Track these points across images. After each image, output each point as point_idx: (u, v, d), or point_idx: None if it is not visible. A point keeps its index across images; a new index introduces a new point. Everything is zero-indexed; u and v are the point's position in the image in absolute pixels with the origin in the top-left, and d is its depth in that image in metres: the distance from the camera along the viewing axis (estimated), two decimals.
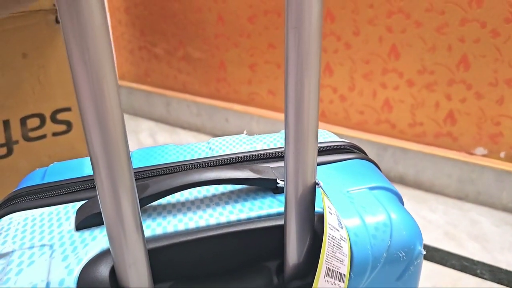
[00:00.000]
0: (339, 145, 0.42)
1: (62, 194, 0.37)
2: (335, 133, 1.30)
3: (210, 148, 0.43)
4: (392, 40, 1.15)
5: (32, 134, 0.98)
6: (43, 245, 0.32)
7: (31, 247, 0.32)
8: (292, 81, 0.26)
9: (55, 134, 0.99)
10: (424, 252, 0.36)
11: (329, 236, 0.28)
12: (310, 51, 0.26)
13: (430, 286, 0.96)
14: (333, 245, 0.29)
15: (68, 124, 0.99)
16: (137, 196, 0.28)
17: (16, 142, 0.97)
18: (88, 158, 0.29)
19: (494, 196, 1.17)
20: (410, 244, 0.34)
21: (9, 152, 0.97)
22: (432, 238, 1.10)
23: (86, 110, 0.24)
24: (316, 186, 0.29)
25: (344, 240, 0.30)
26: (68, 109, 0.98)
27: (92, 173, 0.37)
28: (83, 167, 0.42)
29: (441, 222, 1.15)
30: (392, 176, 1.29)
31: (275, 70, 1.34)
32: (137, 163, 0.42)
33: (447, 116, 1.16)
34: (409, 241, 0.34)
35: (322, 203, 0.29)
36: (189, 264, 0.31)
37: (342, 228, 0.30)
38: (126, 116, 1.69)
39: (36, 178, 0.40)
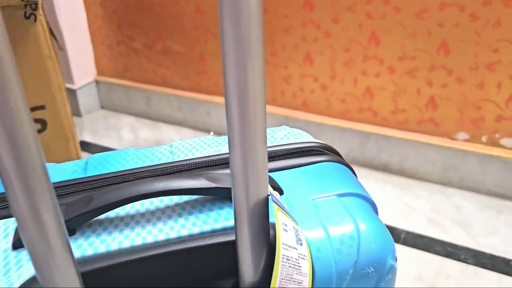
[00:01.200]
0: (309, 147, 0.39)
1: (4, 207, 0.33)
2: (317, 123, 1.27)
3: (171, 152, 0.40)
4: (371, 26, 1.11)
5: None
6: None
7: None
8: (232, 75, 0.23)
9: None
10: (397, 266, 0.33)
11: (283, 258, 0.25)
12: (251, 33, 0.22)
13: (415, 273, 0.94)
14: (289, 266, 0.26)
15: (43, 123, 0.95)
16: (61, 214, 0.24)
17: None
18: None
19: (477, 181, 1.15)
20: (381, 258, 0.31)
21: None
22: (416, 225, 1.08)
23: None
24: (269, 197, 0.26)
25: (303, 258, 0.27)
26: (42, 107, 0.94)
27: None
28: None
29: (425, 208, 1.13)
30: (376, 164, 1.26)
31: None
32: (92, 170, 0.39)
33: (428, 102, 1.13)
34: (379, 254, 0.31)
35: (275, 220, 0.26)
36: (132, 286, 0.28)
37: (301, 245, 0.27)
38: (106, 113, 1.64)
39: None
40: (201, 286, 0.29)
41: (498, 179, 1.13)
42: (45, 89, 0.94)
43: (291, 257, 0.25)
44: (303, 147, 0.39)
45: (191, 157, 0.38)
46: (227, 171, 0.35)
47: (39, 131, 0.96)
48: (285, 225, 0.27)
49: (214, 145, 0.41)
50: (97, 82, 1.62)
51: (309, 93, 1.27)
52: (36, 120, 0.95)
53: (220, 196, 0.32)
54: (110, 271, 0.27)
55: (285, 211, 0.27)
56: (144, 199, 0.30)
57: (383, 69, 1.14)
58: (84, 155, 1.33)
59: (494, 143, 1.11)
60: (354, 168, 1.28)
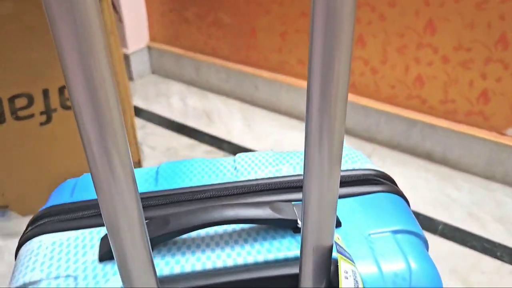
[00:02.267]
0: (367, 174, 0.40)
1: (88, 216, 0.37)
2: (364, 106, 1.26)
3: (235, 168, 0.42)
4: (429, 14, 1.08)
5: (69, 103, 0.99)
6: (68, 276, 0.33)
7: (57, 277, 0.33)
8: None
9: None
10: None
11: None
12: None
13: (449, 266, 0.95)
14: None
15: None
16: (149, 239, 0.27)
17: (55, 110, 0.99)
18: None
19: None
20: None
21: (48, 119, 0.99)
22: (455, 217, 1.08)
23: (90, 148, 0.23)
24: (334, 253, 0.28)
25: None
26: None
27: None
28: None
29: (465, 201, 1.12)
30: (419, 151, 1.25)
31: (306, 39, 1.29)
32: (162, 183, 0.42)
33: (480, 95, 1.10)
34: None
35: (339, 267, 0.28)
36: None
37: (358, 285, 0.30)
38: (157, 78, 1.68)
39: (65, 192, 0.41)
40: None
41: None
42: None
43: None
44: (362, 175, 0.41)
45: (254, 176, 0.40)
46: (289, 196, 0.38)
47: None
48: (346, 272, 0.29)
49: (275, 163, 0.43)
50: (149, 48, 1.65)
51: (359, 76, 1.26)
52: None
53: (283, 226, 0.34)
54: None
55: (346, 257, 0.29)
56: (216, 225, 0.33)
57: (437, 58, 1.11)
58: (139, 121, 1.38)
59: None
60: (398, 154, 1.28)
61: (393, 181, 0.43)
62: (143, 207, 0.38)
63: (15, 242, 0.98)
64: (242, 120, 1.44)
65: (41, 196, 1.04)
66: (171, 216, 0.33)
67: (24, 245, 0.36)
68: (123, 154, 0.23)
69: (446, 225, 1.06)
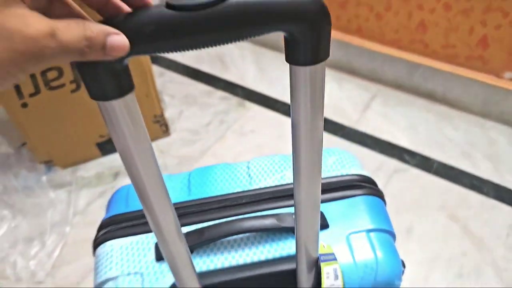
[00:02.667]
0: (352, 180, 0.52)
1: (142, 224, 0.50)
2: (369, 49, 1.32)
3: (249, 176, 0.54)
4: None
5: None
6: (136, 273, 0.47)
7: (128, 274, 0.47)
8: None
9: None
10: (401, 285, 0.47)
11: None
12: None
13: (439, 203, 1.09)
14: None
15: None
16: (188, 246, 0.40)
17: None
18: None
19: None
20: (390, 281, 0.46)
21: (78, 87, 1.09)
22: (449, 157, 1.20)
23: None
24: (320, 262, 0.41)
25: (338, 287, 0.43)
26: None
27: None
28: None
29: (460, 140, 1.23)
30: (421, 91, 1.34)
31: None
32: (194, 191, 0.54)
33: (480, 41, 1.15)
34: (390, 279, 0.46)
35: (321, 270, 0.41)
36: (235, 286, 0.45)
37: (337, 279, 0.43)
38: None
39: (121, 202, 0.53)
40: None
41: None
42: None
43: None
44: (348, 180, 0.52)
45: (263, 184, 0.52)
46: (290, 201, 0.50)
47: None
48: (328, 273, 0.42)
49: (280, 170, 0.54)
50: None
51: (364, 21, 1.30)
52: None
53: (285, 232, 0.47)
54: (216, 284, 0.44)
55: (329, 260, 0.42)
56: (238, 234, 0.46)
57: (439, 6, 1.15)
58: (157, 68, 1.47)
59: None
60: (401, 94, 1.36)
61: (374, 184, 0.54)
62: (183, 214, 0.51)
63: (63, 193, 1.14)
64: (255, 64, 1.52)
65: (76, 151, 1.19)
66: (205, 229, 0.46)
67: (100, 247, 0.50)
68: (160, 192, 0.34)
69: (440, 163, 1.19)
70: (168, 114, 1.34)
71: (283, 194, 0.51)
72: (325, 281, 0.42)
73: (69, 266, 1.03)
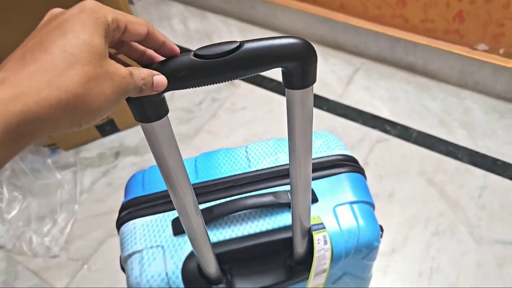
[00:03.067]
0: (337, 159, 0.61)
1: (159, 204, 0.59)
2: (353, 25, 1.39)
3: (248, 159, 0.63)
4: None
5: None
6: (158, 246, 0.56)
7: (151, 247, 0.56)
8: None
9: None
10: (380, 244, 0.57)
11: (318, 255, 0.50)
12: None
13: (418, 169, 1.20)
14: (319, 258, 0.51)
15: None
16: (204, 221, 0.49)
17: None
18: None
19: (489, 86, 1.31)
20: (370, 243, 0.56)
21: None
22: (427, 126, 1.29)
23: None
24: (311, 231, 0.50)
25: (326, 251, 0.52)
26: None
27: None
28: None
29: (438, 110, 1.33)
30: (403, 65, 1.42)
31: None
32: (201, 175, 0.62)
33: (456, 15, 1.23)
34: (370, 241, 0.56)
35: (313, 237, 0.51)
36: (242, 254, 0.54)
37: (326, 244, 0.52)
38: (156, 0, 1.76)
39: (138, 186, 0.62)
40: (274, 255, 0.55)
41: (508, 86, 1.29)
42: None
43: (321, 253, 0.51)
44: (333, 160, 0.61)
45: (261, 166, 0.61)
46: (284, 180, 0.59)
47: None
48: (318, 239, 0.51)
49: (275, 152, 0.63)
50: None
51: None
52: None
53: (282, 207, 0.56)
54: (226, 252, 0.54)
55: (319, 229, 0.51)
56: (243, 210, 0.54)
57: None
58: None
59: (510, 56, 1.24)
60: (383, 67, 1.44)
61: (356, 162, 0.63)
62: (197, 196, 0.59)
63: (68, 173, 1.22)
64: None
65: (78, 133, 1.26)
66: (214, 207, 0.55)
67: (123, 226, 0.59)
68: (184, 178, 0.42)
69: (419, 132, 1.28)
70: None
71: (278, 175, 0.60)
72: (316, 246, 0.51)
73: (81, 240, 1.12)
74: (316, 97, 1.38)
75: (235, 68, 0.33)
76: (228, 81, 0.34)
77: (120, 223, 0.60)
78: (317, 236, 0.52)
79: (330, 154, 0.63)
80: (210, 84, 0.34)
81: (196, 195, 0.59)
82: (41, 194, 1.19)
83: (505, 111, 1.31)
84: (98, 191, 1.21)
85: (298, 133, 0.40)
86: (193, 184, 0.61)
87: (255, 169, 0.61)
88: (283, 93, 1.39)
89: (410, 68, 1.41)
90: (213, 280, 0.55)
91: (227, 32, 1.61)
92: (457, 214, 1.11)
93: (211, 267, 0.53)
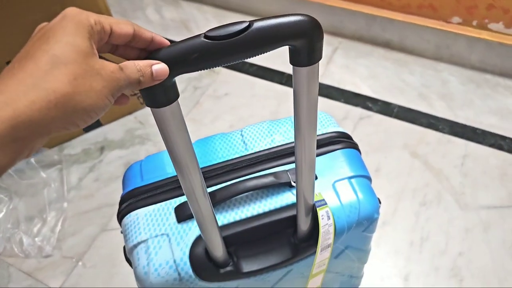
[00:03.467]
0: (333, 137, 0.61)
1: (160, 193, 0.59)
2: (329, 5, 1.40)
3: (244, 142, 0.63)
4: None
5: None
6: (163, 234, 0.56)
7: (156, 236, 0.56)
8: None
9: None
10: (379, 216, 0.59)
11: (323, 230, 0.51)
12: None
13: (402, 142, 1.22)
14: (324, 233, 0.52)
15: None
16: (211, 204, 0.49)
17: None
18: None
19: (464, 57, 1.35)
20: (371, 215, 0.57)
21: None
22: (407, 100, 1.32)
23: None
24: (315, 207, 0.51)
25: (330, 226, 0.53)
26: None
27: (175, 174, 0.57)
28: (170, 162, 0.60)
29: (417, 84, 1.36)
30: (379, 41, 1.44)
31: None
32: (199, 160, 0.62)
33: None
34: (370, 214, 0.57)
35: (318, 214, 0.52)
36: (247, 235, 0.55)
37: (329, 219, 0.53)
38: None
39: (136, 177, 0.61)
40: (278, 233, 0.55)
41: (482, 56, 1.32)
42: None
43: (325, 229, 0.52)
44: (329, 137, 0.62)
45: (257, 148, 0.61)
46: (282, 161, 0.59)
47: None
48: (322, 215, 0.52)
49: (270, 134, 0.63)
50: None
51: None
52: None
53: (282, 186, 0.57)
54: (232, 234, 0.54)
55: (322, 205, 0.52)
56: (245, 192, 0.55)
57: None
58: None
59: (483, 27, 1.27)
60: (361, 45, 1.46)
61: (350, 138, 0.64)
62: None
63: (54, 171, 1.20)
64: None
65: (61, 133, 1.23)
66: (217, 191, 0.56)
67: (125, 218, 0.58)
68: (194, 163, 0.42)
69: (400, 107, 1.31)
70: None
71: (275, 155, 0.61)
72: (321, 222, 0.52)
73: (73, 237, 1.11)
74: None
75: (246, 48, 0.33)
76: (238, 61, 0.34)
77: (122, 215, 0.59)
78: (320, 212, 0.53)
79: (324, 132, 0.63)
80: (221, 65, 0.34)
81: None
82: (27, 194, 1.17)
83: (481, 81, 1.35)
84: (86, 187, 1.19)
85: (304, 110, 0.40)
86: None
87: (252, 151, 0.62)
88: (264, 77, 1.40)
89: (387, 45, 1.43)
90: (220, 263, 0.55)
91: (202, 19, 1.60)
92: (442, 184, 1.14)
93: (219, 250, 0.53)
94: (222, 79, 1.41)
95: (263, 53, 0.34)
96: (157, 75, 0.33)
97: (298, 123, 0.42)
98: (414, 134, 1.25)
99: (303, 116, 0.41)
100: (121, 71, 0.31)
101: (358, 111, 1.30)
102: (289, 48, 0.36)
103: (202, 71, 1.41)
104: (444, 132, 1.24)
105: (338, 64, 1.42)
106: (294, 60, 0.36)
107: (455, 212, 1.09)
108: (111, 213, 1.13)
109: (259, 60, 1.44)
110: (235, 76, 1.41)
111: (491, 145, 1.21)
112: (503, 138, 1.22)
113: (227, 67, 1.44)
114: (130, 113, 1.34)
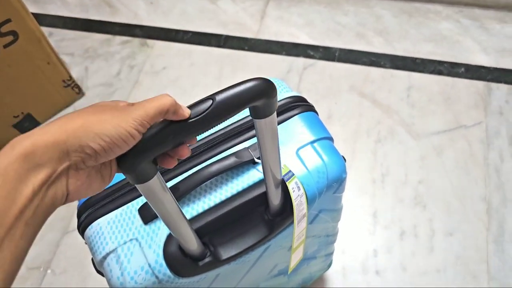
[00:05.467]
0: (287, 103, 0.58)
1: (119, 197, 0.53)
2: None
3: None
4: None
5: None
6: (131, 240, 0.51)
7: (125, 243, 0.51)
8: None
9: (5, 46, 1.01)
10: (347, 174, 0.57)
11: (296, 202, 0.49)
12: None
13: (348, 85, 1.21)
14: (298, 205, 0.50)
15: (14, 33, 1.00)
16: (175, 199, 0.45)
17: None
18: None
19: None
20: (339, 176, 0.55)
21: None
22: (346, 42, 1.30)
23: None
24: (284, 181, 0.48)
25: (302, 196, 0.51)
26: (8, 21, 0.98)
27: None
28: None
29: (352, 23, 1.33)
30: None
31: None
32: None
33: None
34: (338, 175, 0.55)
35: (288, 187, 0.49)
36: (219, 222, 0.52)
37: (300, 189, 0.51)
38: None
39: None
40: (250, 211, 0.52)
41: None
42: (6, 4, 0.96)
43: (298, 200, 0.49)
44: (284, 104, 0.58)
45: (214, 130, 0.57)
46: (242, 136, 0.55)
47: (13, 42, 1.02)
48: (292, 188, 0.50)
49: None
50: None
51: None
52: (8, 33, 1.00)
53: (246, 164, 0.53)
54: (203, 225, 0.51)
55: (290, 177, 0.50)
56: (209, 180, 0.51)
57: None
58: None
59: None
60: None
61: (305, 100, 0.60)
62: None
63: None
64: None
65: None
66: (179, 184, 0.51)
67: (87, 230, 0.53)
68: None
69: (341, 50, 1.29)
70: (74, 74, 1.28)
71: (233, 133, 0.57)
72: (292, 195, 0.50)
73: (35, 247, 1.04)
74: (235, 38, 1.33)
75: (214, 120, 0.35)
76: (208, 129, 0.36)
77: (82, 228, 0.54)
78: (290, 185, 0.50)
79: (279, 99, 0.60)
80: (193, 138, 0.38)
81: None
82: None
83: (412, 10, 1.34)
84: None
85: (268, 153, 0.45)
86: None
87: (208, 133, 0.58)
88: (201, 43, 1.32)
89: None
90: (197, 256, 0.52)
91: None
92: (392, 118, 1.15)
93: (193, 244, 0.50)
94: (157, 52, 1.32)
95: (229, 118, 0.36)
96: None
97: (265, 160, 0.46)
98: (358, 74, 1.24)
99: (268, 158, 0.45)
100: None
101: (301, 61, 1.27)
102: (249, 107, 0.38)
103: (134, 45, 1.32)
104: (386, 67, 1.24)
105: (273, 17, 1.36)
106: (255, 115, 0.40)
107: (409, 143, 1.11)
108: (70, 214, 1.06)
109: (192, 25, 1.36)
110: (170, 47, 1.33)
111: (432, 72, 1.22)
112: (441, 63, 1.24)
113: (160, 38, 1.35)
114: (67, 105, 1.24)
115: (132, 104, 0.33)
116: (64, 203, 0.32)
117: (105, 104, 0.33)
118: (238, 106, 0.36)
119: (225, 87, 0.36)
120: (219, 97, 0.35)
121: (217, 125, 0.37)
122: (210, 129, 0.36)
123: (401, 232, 0.99)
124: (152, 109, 0.32)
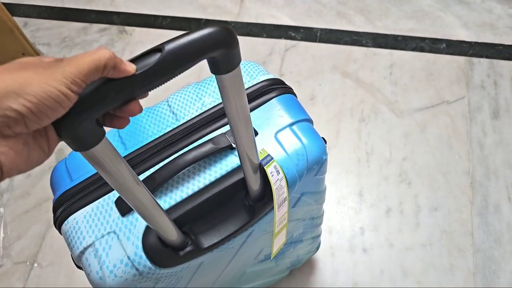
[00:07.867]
0: (263, 86, 0.55)
1: (95, 189, 0.51)
2: None
3: (173, 113, 0.56)
4: None
5: None
6: (109, 233, 0.49)
7: (102, 236, 0.49)
8: None
9: None
10: (327, 156, 0.55)
11: (275, 186, 0.47)
12: None
13: (330, 65, 1.19)
14: (277, 189, 0.48)
15: None
16: (149, 191, 0.43)
17: None
18: None
19: None
20: (319, 158, 0.53)
21: None
22: (327, 21, 1.27)
23: None
24: (262, 166, 0.46)
25: (281, 180, 0.49)
26: None
27: None
28: None
29: (333, 2, 1.30)
30: None
31: None
32: (128, 144, 0.54)
33: None
34: (318, 157, 0.53)
35: (266, 172, 0.47)
36: (198, 210, 0.50)
37: (279, 174, 0.49)
38: None
39: (64, 178, 0.53)
40: (230, 197, 0.51)
41: None
42: None
43: (278, 184, 0.47)
44: (260, 87, 0.56)
45: (188, 117, 0.54)
46: (218, 123, 0.53)
47: None
48: (271, 172, 0.48)
49: (199, 98, 0.56)
50: None
51: None
52: None
53: (223, 150, 0.51)
54: (182, 214, 0.49)
55: (268, 161, 0.48)
56: (186, 168, 0.49)
57: None
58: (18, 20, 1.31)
59: None
60: None
61: (283, 83, 0.58)
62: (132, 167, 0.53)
63: None
64: None
65: None
66: (155, 174, 0.49)
67: (64, 225, 0.51)
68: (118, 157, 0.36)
69: (322, 30, 1.26)
70: None
71: (209, 119, 0.54)
72: (271, 179, 0.48)
73: (20, 241, 1.01)
74: (215, 22, 1.29)
75: (163, 73, 0.31)
76: (158, 86, 0.32)
77: (59, 223, 0.52)
78: (269, 170, 0.48)
79: (254, 83, 0.57)
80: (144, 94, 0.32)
81: (132, 167, 0.53)
82: None
83: None
84: (19, 187, 1.08)
85: (236, 114, 0.40)
86: (124, 157, 0.55)
87: (184, 121, 0.55)
88: (181, 29, 1.29)
89: None
90: (178, 246, 0.50)
91: None
92: (375, 97, 1.14)
93: (172, 234, 0.48)
94: (136, 39, 1.28)
95: (184, 71, 0.32)
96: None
97: (233, 123, 0.40)
98: (340, 54, 1.22)
99: (237, 120, 0.41)
100: None
101: (282, 42, 1.24)
102: (207, 60, 0.33)
103: (112, 33, 1.28)
104: (368, 46, 1.22)
105: None
106: (215, 69, 0.35)
107: (392, 121, 1.10)
108: None
109: (171, 10, 1.32)
110: (149, 33, 1.29)
111: (414, 49, 1.20)
112: (423, 39, 1.22)
113: (138, 24, 1.31)
114: None
115: (61, 60, 0.28)
116: (2, 177, 0.28)
117: (25, 60, 0.28)
118: (192, 57, 0.31)
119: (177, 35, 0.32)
120: (168, 47, 0.31)
121: (167, 80, 0.32)
122: (159, 85, 0.32)
123: (387, 209, 0.98)
124: (85, 65, 0.27)
